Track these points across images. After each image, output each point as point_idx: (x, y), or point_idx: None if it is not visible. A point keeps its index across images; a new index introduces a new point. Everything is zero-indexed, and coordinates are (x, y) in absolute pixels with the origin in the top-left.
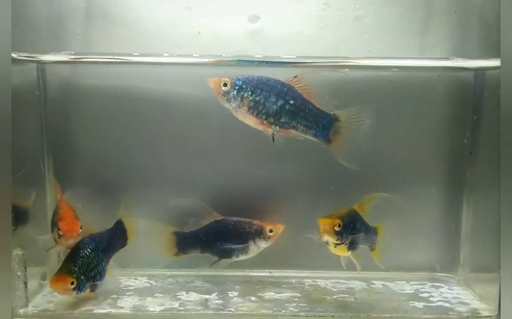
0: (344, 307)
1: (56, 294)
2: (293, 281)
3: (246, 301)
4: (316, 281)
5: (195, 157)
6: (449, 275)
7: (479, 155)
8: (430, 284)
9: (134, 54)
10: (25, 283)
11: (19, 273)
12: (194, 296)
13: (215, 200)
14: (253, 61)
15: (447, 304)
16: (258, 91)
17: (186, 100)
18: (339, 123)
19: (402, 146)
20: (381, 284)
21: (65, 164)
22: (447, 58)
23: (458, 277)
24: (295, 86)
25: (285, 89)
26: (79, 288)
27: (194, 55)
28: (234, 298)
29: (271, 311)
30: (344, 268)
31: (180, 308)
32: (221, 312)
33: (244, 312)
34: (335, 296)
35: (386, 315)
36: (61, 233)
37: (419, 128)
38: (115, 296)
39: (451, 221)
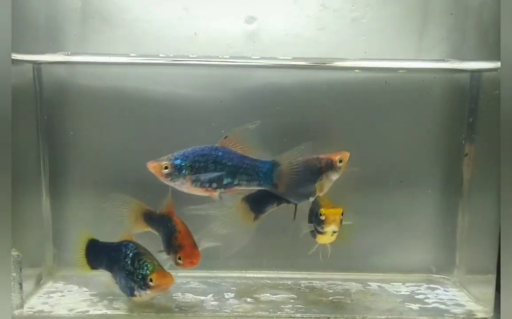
0: (340, 309)
1: (51, 295)
2: (289, 282)
3: (242, 303)
4: (312, 283)
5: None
6: (444, 277)
7: (475, 157)
8: (426, 285)
9: (131, 55)
10: (20, 284)
11: (14, 274)
12: (190, 297)
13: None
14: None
15: (442, 306)
16: (197, 164)
17: (183, 101)
18: (280, 167)
19: (398, 148)
20: (377, 286)
21: (61, 165)
22: (443, 60)
23: (453, 279)
24: (229, 146)
25: (220, 153)
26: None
27: (190, 56)
28: (230, 299)
29: (267, 313)
30: (321, 259)
31: (176, 310)
32: (217, 313)
33: (240, 313)
34: (331, 298)
35: (382, 317)
36: (180, 262)
37: (415, 130)
38: (110, 297)
39: (447, 223)
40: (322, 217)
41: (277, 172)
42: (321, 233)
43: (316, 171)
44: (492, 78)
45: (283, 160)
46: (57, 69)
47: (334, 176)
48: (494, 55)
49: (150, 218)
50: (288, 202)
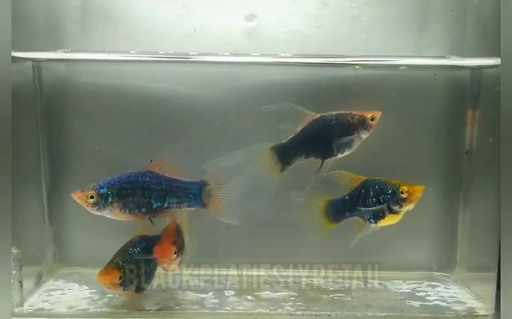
0: (341, 306)
1: (52, 293)
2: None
3: (242, 300)
4: (312, 280)
5: (193, 156)
6: (445, 274)
7: (475, 154)
8: (427, 283)
9: (131, 52)
10: (20, 282)
11: (14, 272)
12: (190, 295)
13: None
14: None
15: (443, 303)
16: (124, 192)
17: (183, 99)
18: (209, 187)
19: (399, 145)
20: (378, 283)
21: (61, 163)
22: (443, 57)
23: (454, 276)
24: (156, 170)
25: (147, 179)
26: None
27: (190, 53)
28: (230, 297)
29: (268, 310)
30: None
31: (176, 307)
32: (217, 311)
33: (240, 311)
34: (331, 295)
35: (383, 314)
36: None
37: (416, 127)
38: (110, 295)
39: (447, 221)
40: (404, 195)
41: (205, 192)
42: (395, 212)
43: (348, 126)
44: (493, 75)
45: (212, 180)
46: (57, 67)
47: (365, 134)
48: (494, 52)
49: None
50: (316, 156)
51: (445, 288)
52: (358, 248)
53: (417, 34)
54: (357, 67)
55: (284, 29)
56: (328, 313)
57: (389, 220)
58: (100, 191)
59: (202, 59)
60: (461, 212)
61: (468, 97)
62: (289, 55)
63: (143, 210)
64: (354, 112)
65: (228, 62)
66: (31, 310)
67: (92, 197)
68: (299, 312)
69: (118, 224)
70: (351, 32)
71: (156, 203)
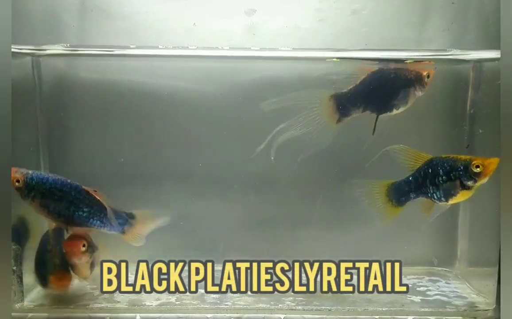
0: (342, 301)
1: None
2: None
3: (243, 295)
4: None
5: (193, 151)
6: (446, 270)
7: (476, 149)
8: (428, 278)
9: (131, 46)
10: (20, 278)
11: (14, 268)
12: None
13: (213, 193)
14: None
15: (444, 298)
16: (50, 195)
17: (182, 94)
18: (134, 220)
19: (399, 140)
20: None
21: (60, 159)
22: (444, 50)
23: (455, 271)
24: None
25: (80, 197)
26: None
27: (190, 47)
28: (230, 293)
29: (268, 305)
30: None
31: (177, 303)
32: (218, 306)
33: (241, 306)
34: None
35: (384, 309)
36: None
37: (416, 121)
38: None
39: (448, 215)
40: (479, 169)
41: (129, 223)
42: (468, 188)
43: (406, 82)
44: (494, 69)
45: (139, 214)
46: (56, 62)
47: (420, 92)
48: (495, 46)
49: None
50: (372, 110)
51: (445, 283)
52: (358, 244)
53: (418, 28)
54: (335, 59)
55: (284, 23)
56: (329, 307)
57: (461, 197)
58: (28, 181)
59: (201, 54)
60: (461, 207)
61: (469, 91)
62: (289, 49)
63: (62, 219)
64: (411, 68)
65: (228, 56)
66: (32, 306)
67: (18, 181)
68: (299, 307)
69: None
70: (351, 26)
71: (76, 220)
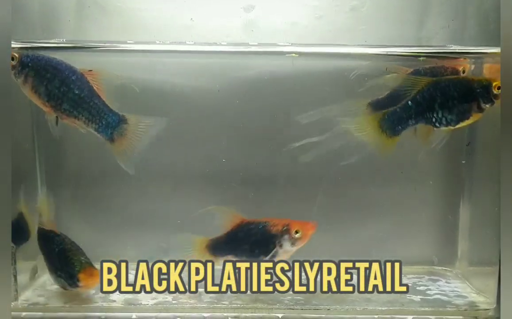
0: (340, 301)
1: (47, 288)
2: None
3: (240, 294)
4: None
5: (192, 148)
6: (446, 269)
7: (477, 146)
8: (428, 277)
9: (128, 42)
10: (15, 276)
11: None
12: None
13: (213, 191)
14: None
15: (444, 297)
16: (43, 73)
17: (180, 91)
18: (127, 126)
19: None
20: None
21: (56, 157)
22: (444, 46)
23: (456, 271)
24: (89, 77)
25: (73, 77)
26: None
27: (188, 42)
28: (228, 291)
29: (266, 305)
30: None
31: (173, 302)
32: (215, 305)
33: (238, 305)
34: None
35: (383, 308)
36: None
37: None
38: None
39: (448, 214)
40: (497, 91)
41: (120, 129)
42: (482, 110)
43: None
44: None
45: (132, 119)
46: None
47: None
48: (495, 42)
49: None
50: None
51: (446, 282)
52: (358, 243)
53: (418, 25)
54: (293, 54)
55: (282, 20)
56: (328, 307)
57: (472, 119)
58: (22, 58)
59: (199, 49)
60: (462, 205)
61: None
62: (287, 44)
63: (52, 102)
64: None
65: (226, 52)
66: (26, 305)
67: (13, 59)
68: (298, 307)
69: (115, 219)
70: (350, 23)
71: (66, 105)
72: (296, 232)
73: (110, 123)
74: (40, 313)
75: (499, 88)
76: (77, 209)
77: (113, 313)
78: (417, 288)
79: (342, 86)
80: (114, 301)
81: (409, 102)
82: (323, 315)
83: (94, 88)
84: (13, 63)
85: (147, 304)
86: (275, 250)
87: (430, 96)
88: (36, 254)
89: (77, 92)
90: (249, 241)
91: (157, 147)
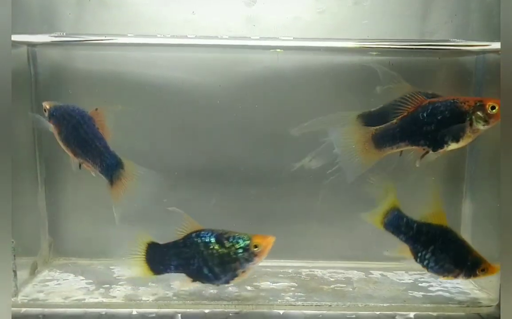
0: (342, 297)
1: (47, 283)
2: (290, 270)
3: (241, 291)
4: (313, 271)
5: (191, 143)
6: None
7: (479, 143)
8: (429, 274)
9: (129, 35)
10: (14, 272)
11: None
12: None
13: (210, 186)
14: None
15: (446, 294)
16: (62, 121)
17: (181, 86)
18: (122, 171)
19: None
20: (380, 274)
21: (56, 153)
22: (447, 40)
23: None
24: (97, 118)
25: (81, 121)
26: None
27: (189, 36)
28: (230, 287)
29: (267, 301)
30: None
31: (174, 298)
32: (216, 301)
33: (240, 301)
34: (332, 286)
35: (385, 305)
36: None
37: None
38: (107, 285)
39: (451, 210)
40: (494, 111)
41: (116, 173)
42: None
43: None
44: (498, 61)
45: (129, 166)
46: (52, 53)
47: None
48: (498, 37)
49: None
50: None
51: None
52: (360, 239)
53: (421, 20)
54: (278, 50)
55: (284, 14)
56: (329, 303)
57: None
58: (51, 110)
59: (201, 42)
60: (464, 202)
61: (473, 85)
62: (290, 38)
63: (70, 148)
64: (237, 234)
65: (227, 47)
66: (26, 301)
67: (45, 110)
68: (299, 303)
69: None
70: (353, 18)
71: (78, 149)
72: (256, 246)
73: (110, 166)
74: (39, 309)
75: (493, 107)
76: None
77: (113, 309)
78: (419, 284)
79: (344, 82)
80: (115, 297)
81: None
82: (325, 312)
83: (99, 129)
84: (46, 113)
85: (148, 300)
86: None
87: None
88: (37, 250)
89: (84, 136)
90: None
91: (156, 140)
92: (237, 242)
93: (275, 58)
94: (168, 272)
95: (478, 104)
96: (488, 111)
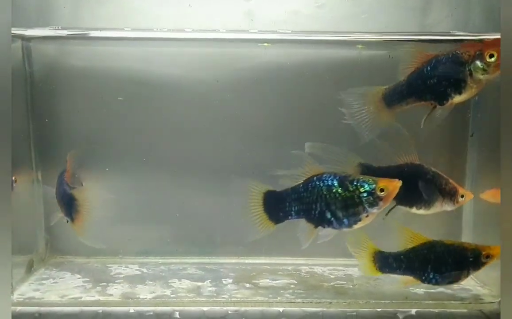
0: (342, 294)
1: (43, 282)
2: (289, 268)
3: (240, 288)
4: (313, 268)
5: (187, 140)
6: None
7: (481, 137)
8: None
9: (125, 29)
10: None
11: None
12: (186, 283)
13: (208, 181)
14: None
15: (448, 291)
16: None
17: (178, 81)
18: (77, 202)
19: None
20: None
21: (52, 149)
22: (447, 33)
23: None
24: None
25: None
26: None
27: (187, 30)
28: (228, 285)
29: (266, 298)
30: None
31: (172, 296)
32: (214, 299)
33: (238, 299)
34: (332, 283)
35: (386, 301)
36: None
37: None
38: (104, 283)
39: (452, 210)
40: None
41: (74, 207)
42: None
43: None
44: None
45: (81, 194)
46: (47, 49)
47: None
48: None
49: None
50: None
51: None
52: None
53: (421, 14)
54: (266, 44)
55: (283, 8)
56: (329, 300)
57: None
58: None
59: (198, 36)
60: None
61: None
62: (288, 31)
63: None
64: (364, 177)
65: (225, 41)
66: (21, 299)
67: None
68: (299, 300)
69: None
70: (352, 12)
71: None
72: (381, 190)
73: (68, 203)
74: (35, 308)
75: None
76: None
77: (110, 307)
78: None
79: (345, 76)
80: (111, 295)
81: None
82: (325, 309)
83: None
84: None
85: (145, 298)
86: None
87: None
88: (32, 248)
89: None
90: None
91: (151, 136)
92: (362, 186)
93: (273, 53)
94: (289, 219)
95: (477, 53)
96: (487, 60)
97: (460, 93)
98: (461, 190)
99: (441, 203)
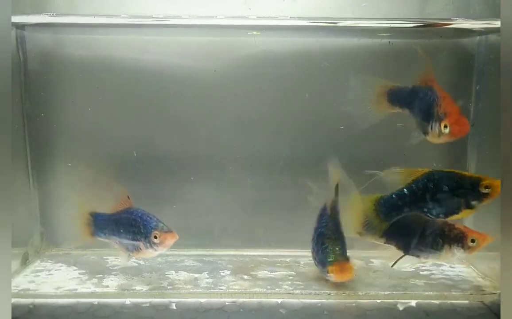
0: (342, 286)
1: (38, 274)
2: (288, 260)
3: (238, 280)
4: (312, 260)
5: (184, 129)
6: None
7: (481, 127)
8: (431, 261)
9: (122, 15)
10: None
11: None
12: (183, 275)
13: (206, 173)
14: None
15: (449, 282)
16: None
17: (175, 71)
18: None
19: (402, 118)
20: (380, 263)
21: (47, 141)
22: (449, 19)
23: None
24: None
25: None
26: None
27: (183, 16)
28: (226, 276)
29: (264, 290)
30: None
31: (169, 287)
32: (212, 290)
33: (236, 290)
34: None
35: (386, 293)
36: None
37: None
38: (100, 275)
39: None
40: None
41: None
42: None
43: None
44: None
45: None
46: (42, 38)
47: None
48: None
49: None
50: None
51: (450, 267)
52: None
53: (421, 2)
54: (255, 33)
55: None
56: (328, 292)
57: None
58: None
59: (195, 23)
60: None
61: (475, 67)
62: (287, 17)
63: None
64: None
65: (222, 25)
66: (16, 291)
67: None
68: (297, 291)
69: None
70: (352, 1)
71: None
72: None
73: None
74: (30, 300)
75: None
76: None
77: (106, 299)
78: (421, 272)
79: (344, 64)
80: (107, 286)
81: None
82: (324, 300)
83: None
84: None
85: (141, 290)
86: None
87: None
88: (27, 240)
89: None
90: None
91: (148, 127)
92: None
93: (271, 42)
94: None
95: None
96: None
97: None
98: (470, 235)
99: (450, 250)
